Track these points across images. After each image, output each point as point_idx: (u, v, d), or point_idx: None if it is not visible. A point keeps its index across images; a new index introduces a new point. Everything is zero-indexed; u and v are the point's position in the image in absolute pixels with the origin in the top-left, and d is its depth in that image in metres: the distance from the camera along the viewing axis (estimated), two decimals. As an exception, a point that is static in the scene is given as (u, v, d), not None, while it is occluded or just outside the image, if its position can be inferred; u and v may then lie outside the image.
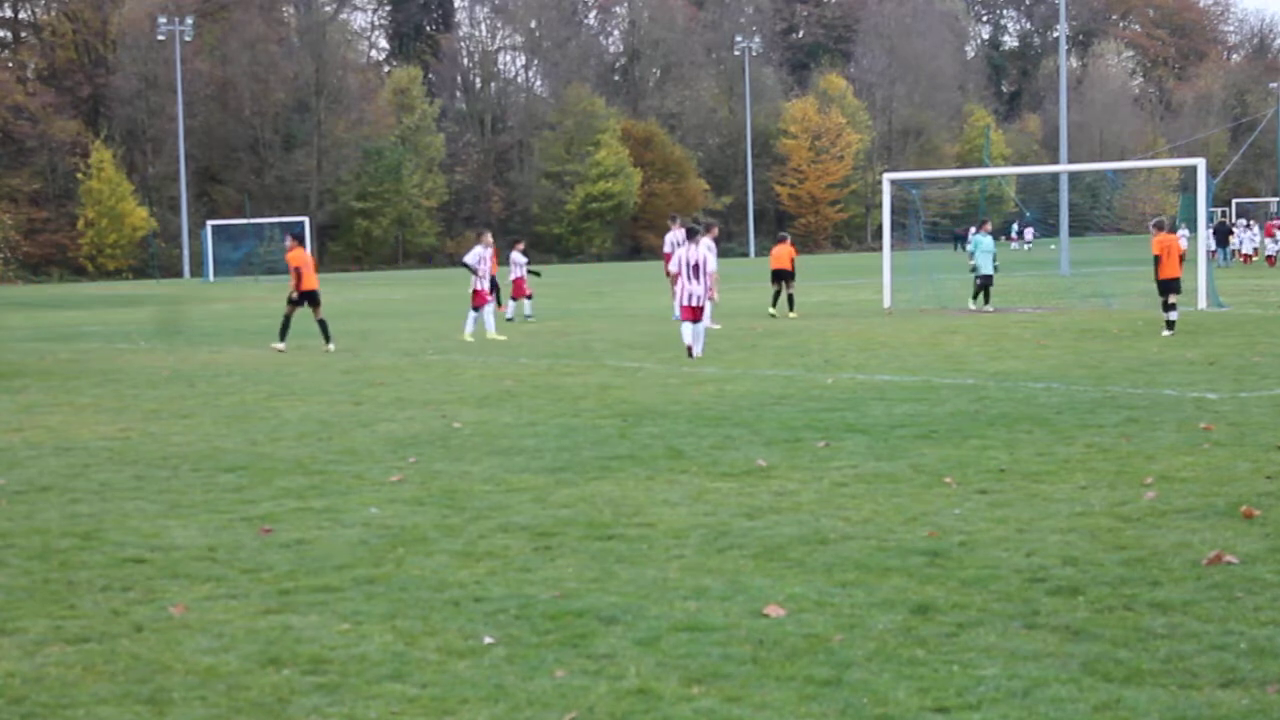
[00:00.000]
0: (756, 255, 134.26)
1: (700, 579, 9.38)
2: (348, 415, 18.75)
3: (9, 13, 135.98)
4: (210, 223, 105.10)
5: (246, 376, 24.67)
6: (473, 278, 33.66)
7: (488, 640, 8.08)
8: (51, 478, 14.07)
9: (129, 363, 28.42)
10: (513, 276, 41.07)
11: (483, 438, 16.24)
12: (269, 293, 73.31)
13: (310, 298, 30.33)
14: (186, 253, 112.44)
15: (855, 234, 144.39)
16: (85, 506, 12.42)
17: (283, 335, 30.26)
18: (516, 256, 41.42)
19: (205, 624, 8.54)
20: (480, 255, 34.14)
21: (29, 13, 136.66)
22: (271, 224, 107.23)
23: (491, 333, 32.98)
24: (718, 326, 33.84)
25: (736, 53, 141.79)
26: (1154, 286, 30.41)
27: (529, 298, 40.93)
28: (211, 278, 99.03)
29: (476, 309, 33.22)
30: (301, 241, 31.61)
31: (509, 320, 38.62)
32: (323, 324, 30.59)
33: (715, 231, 36.06)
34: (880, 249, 45.89)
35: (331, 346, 30.03)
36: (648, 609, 8.66)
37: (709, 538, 10.62)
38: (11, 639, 8.31)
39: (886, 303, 41.13)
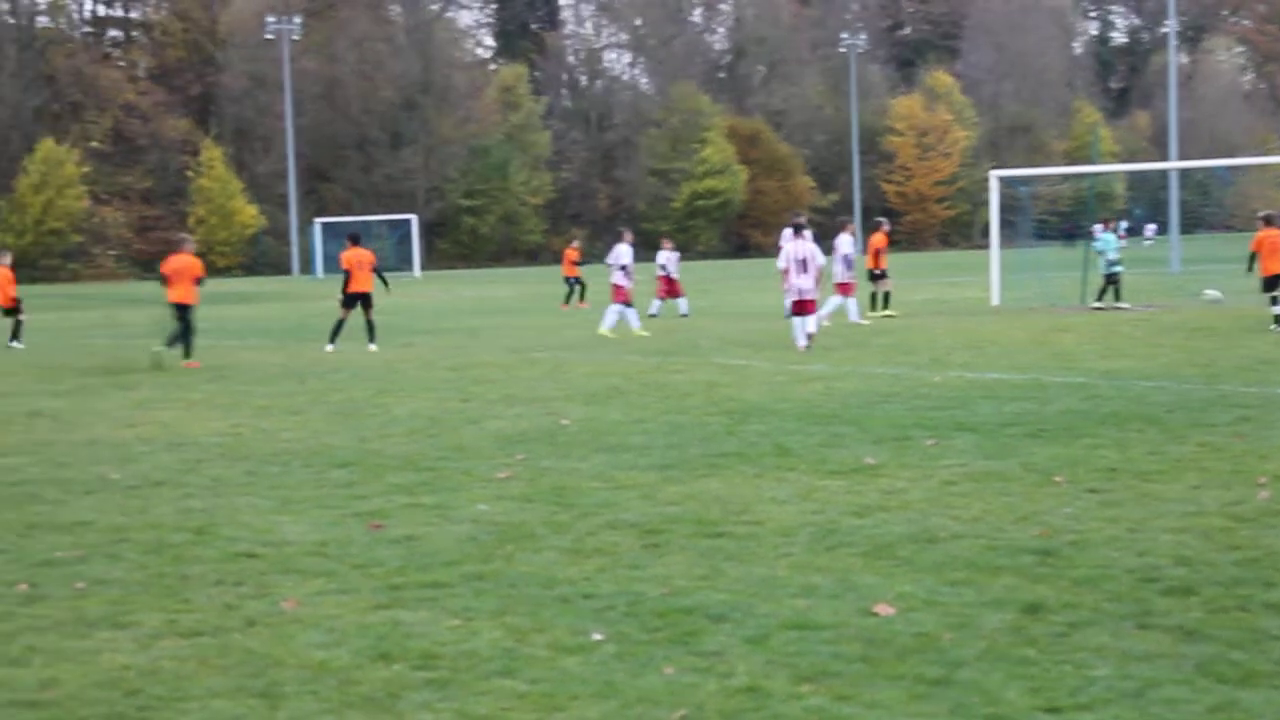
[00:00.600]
0: (863, 253, 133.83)
1: (809, 577, 9.35)
2: (456, 412, 18.82)
3: (121, 12, 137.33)
4: (318, 220, 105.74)
5: (356, 373, 24.82)
6: (616, 274, 33.85)
7: (597, 637, 8.09)
8: (165, 473, 14.21)
9: (240, 359, 28.67)
10: (659, 275, 41.25)
11: (591, 435, 16.26)
12: (378, 290, 73.66)
13: (362, 299, 30.49)
14: (295, 250, 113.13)
15: (962, 231, 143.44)
16: (198, 502, 12.54)
17: (332, 337, 30.46)
18: (664, 255, 41.55)
19: (317, 619, 8.60)
20: (621, 253, 34.30)
21: (140, 12, 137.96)
22: (379, 221, 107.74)
23: (636, 329, 33.15)
24: (865, 322, 34.00)
25: (842, 49, 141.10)
26: (1263, 283, 30.28)
27: (680, 296, 41.04)
28: (320, 275, 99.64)
29: (620, 305, 33.40)
30: (358, 242, 31.72)
31: (652, 316, 38.71)
32: (370, 325, 30.70)
33: (851, 228, 36.39)
34: (987, 246, 45.61)
35: (373, 347, 30.13)
36: (756, 606, 8.64)
37: (817, 535, 10.59)
38: (127, 632, 8.39)
39: (994, 300, 40.87)
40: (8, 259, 36.28)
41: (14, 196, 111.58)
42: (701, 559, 9.93)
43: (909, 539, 10.40)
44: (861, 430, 16.03)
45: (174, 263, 29.30)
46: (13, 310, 34.56)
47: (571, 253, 50.75)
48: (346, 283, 30.69)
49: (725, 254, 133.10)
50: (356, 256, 30.79)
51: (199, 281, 29.29)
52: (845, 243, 36.56)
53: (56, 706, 7.14)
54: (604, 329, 33.15)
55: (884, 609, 8.50)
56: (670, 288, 40.98)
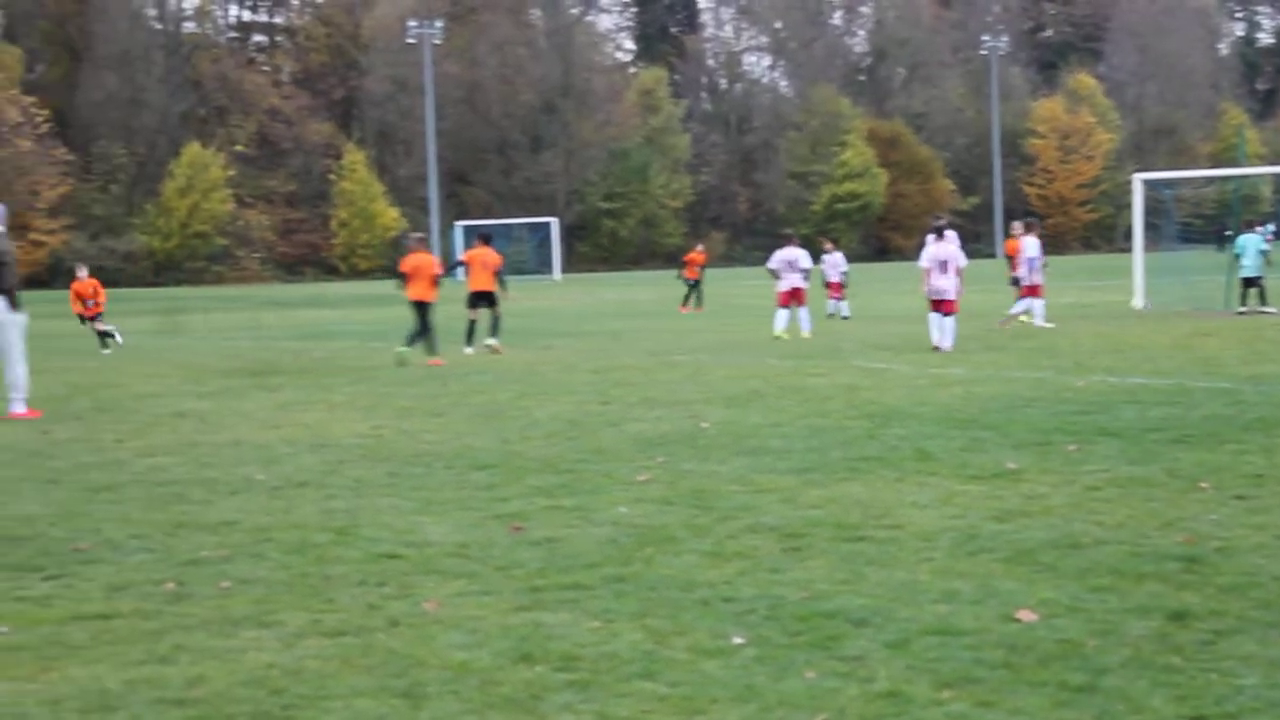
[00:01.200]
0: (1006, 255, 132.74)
1: (950, 582, 9.29)
2: (596, 414, 18.87)
3: (265, 18, 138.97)
4: (459, 223, 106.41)
5: (497, 376, 24.95)
6: (785, 277, 33.91)
7: (737, 640, 8.07)
8: (308, 474, 14.34)
9: (382, 361, 28.89)
10: (829, 279, 41.34)
11: (730, 438, 16.25)
12: (517, 293, 74.02)
13: (486, 299, 30.63)
14: (436, 253, 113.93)
15: (1105, 235, 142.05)
16: (341, 502, 12.64)
17: (468, 340, 30.65)
18: (833, 258, 41.64)
19: (458, 620, 8.64)
20: (784, 259, 34.32)
21: (284, 17, 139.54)
22: (520, 224, 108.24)
23: (805, 331, 33.24)
24: (1052, 325, 33.85)
25: (983, 52, 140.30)
26: None
27: (842, 298, 41.16)
28: (460, 277, 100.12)
29: (783, 307, 33.54)
30: (488, 242, 31.90)
31: (829, 317, 38.80)
32: (496, 321, 30.89)
33: (1036, 230, 36.31)
34: (1130, 250, 45.15)
35: (492, 341, 30.30)
36: (897, 611, 8.60)
37: (959, 540, 10.52)
38: (271, 631, 8.48)
39: (1138, 304, 40.45)
40: (84, 272, 37.22)
41: (161, 200, 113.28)
42: (842, 563, 9.89)
43: (1051, 545, 10.30)
44: (1003, 435, 15.90)
45: (412, 261, 29.92)
46: (93, 319, 35.45)
47: (697, 256, 50.81)
48: (470, 280, 30.91)
49: (865, 257, 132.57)
50: (481, 256, 30.90)
51: (437, 279, 29.78)
52: (1031, 245, 36.23)
53: (203, 704, 7.23)
54: (785, 332, 33.28)
55: (1026, 615, 8.42)
56: (836, 289, 41.24)
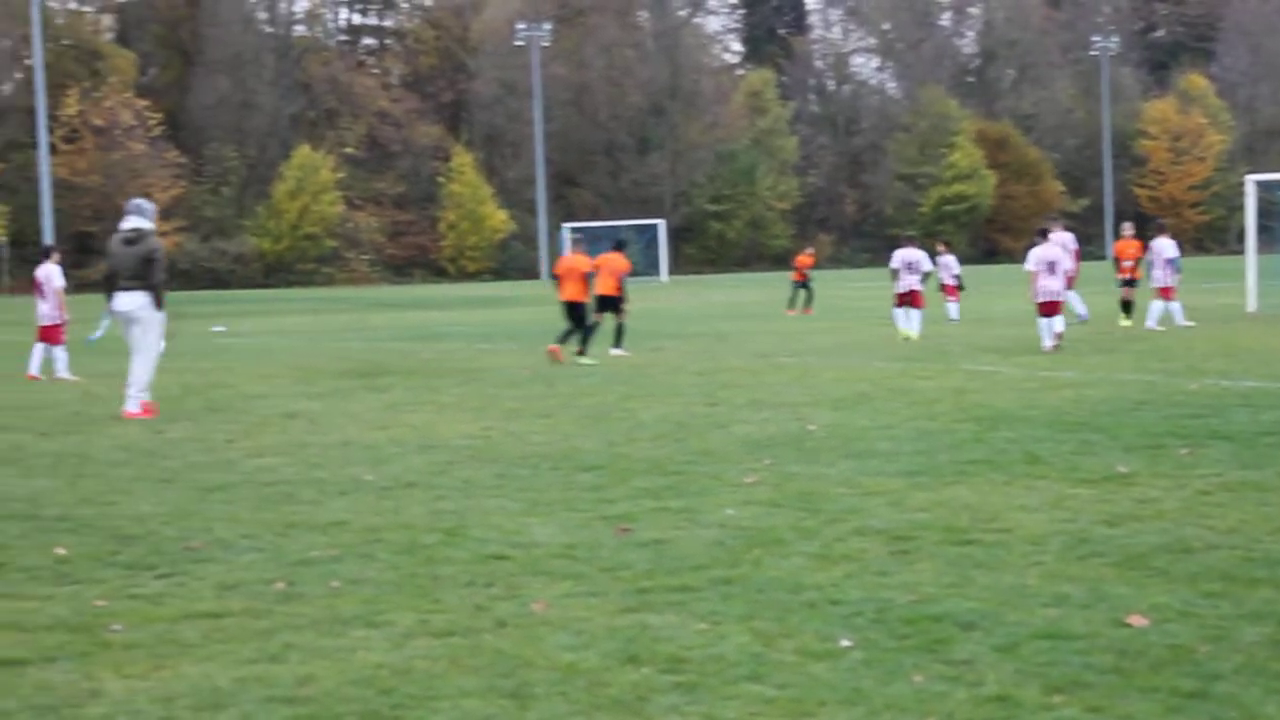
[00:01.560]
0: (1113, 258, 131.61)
1: (1060, 586, 9.22)
2: (703, 416, 18.86)
3: (375, 21, 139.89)
4: (566, 225, 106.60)
5: (604, 378, 24.98)
6: (903, 279, 33.84)
7: (845, 643, 8.05)
8: (416, 474, 14.41)
9: (490, 363, 29.00)
10: (944, 282, 41.19)
11: (838, 440, 16.21)
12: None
13: (610, 304, 30.61)
14: (544, 255, 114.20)
15: (1217, 237, 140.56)
16: (449, 503, 12.69)
17: (617, 341, 30.67)
18: (947, 260, 41.49)
19: (566, 621, 8.66)
20: (903, 260, 34.20)
21: (394, 21, 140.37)
22: (627, 226, 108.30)
23: (909, 332, 33.21)
24: (1192, 324, 33.76)
25: (1093, 52, 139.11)
26: None
27: (955, 301, 41.00)
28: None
29: (899, 309, 33.55)
30: (621, 248, 31.89)
31: (953, 321, 38.66)
32: (620, 328, 30.88)
33: (1168, 231, 36.29)
34: (1243, 252, 44.66)
35: (616, 351, 30.36)
36: (1006, 615, 8.55)
37: (1068, 544, 10.44)
38: (380, 631, 8.52)
39: (1251, 307, 40.02)
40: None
41: (271, 202, 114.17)
42: (950, 566, 9.85)
43: (1163, 549, 10.21)
44: (1113, 438, 15.78)
45: (564, 263, 30.28)
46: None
47: (805, 259, 50.68)
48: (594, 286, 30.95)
49: (973, 259, 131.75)
50: (610, 261, 30.80)
51: (588, 280, 29.86)
52: (1167, 246, 36.01)
53: (313, 703, 7.28)
54: (913, 332, 33.24)
55: (1137, 620, 8.35)
56: (952, 291, 41.10)
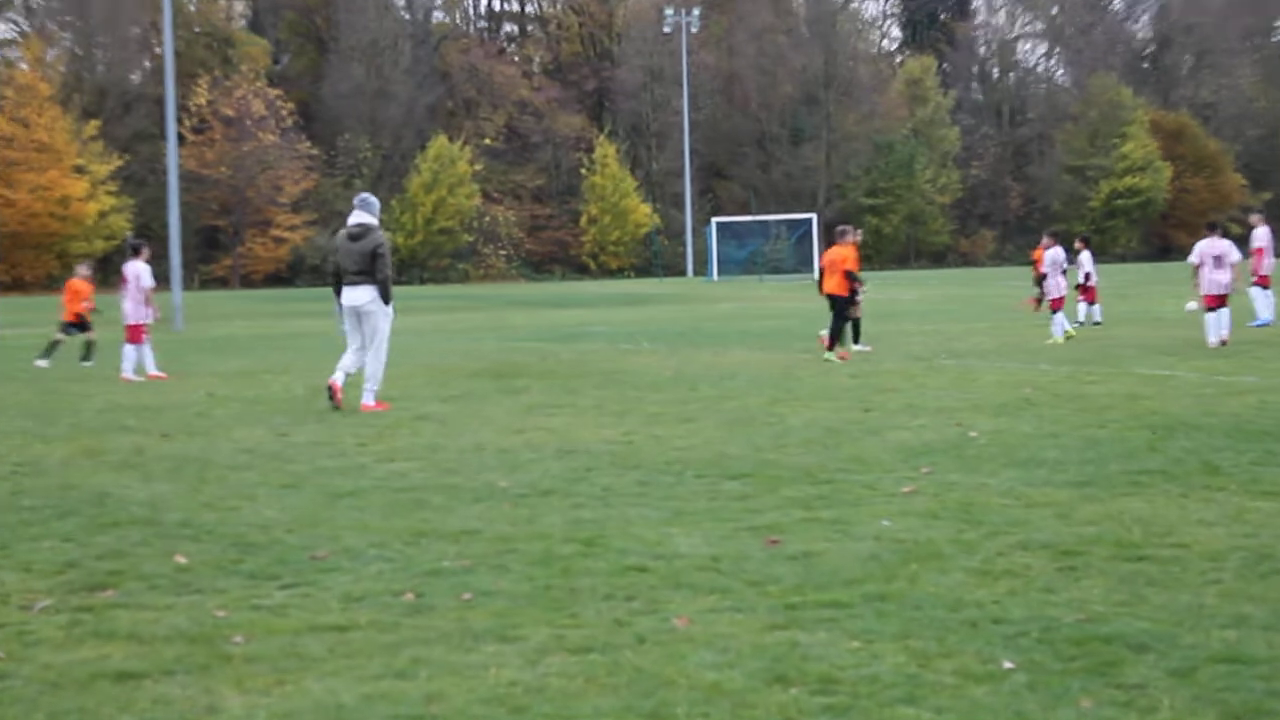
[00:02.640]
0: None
1: (1240, 606, 9.05)
2: (856, 422, 18.74)
3: (516, 7, 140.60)
4: (715, 220, 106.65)
5: (751, 380, 24.91)
6: (1048, 281, 33.67)
7: (1007, 665, 7.93)
8: (553, 481, 14.40)
9: (631, 364, 29.01)
10: (1080, 279, 40.60)
11: (1000, 448, 16.04)
12: (774, 293, 74.03)
13: (831, 302, 30.59)
14: (690, 251, 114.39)
15: None
16: (587, 512, 12.67)
17: (854, 338, 30.76)
18: (1085, 257, 40.86)
19: (709, 637, 8.59)
20: (1053, 259, 33.91)
21: (536, 6, 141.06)
22: (778, 221, 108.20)
23: (1067, 330, 33.01)
24: None
25: (1277, 39, 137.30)
26: None
27: (1093, 302, 40.35)
28: (715, 277, 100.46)
29: (1054, 311, 33.23)
30: (842, 237, 31.92)
31: (1080, 324, 38.27)
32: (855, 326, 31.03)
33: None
34: None
35: (856, 347, 30.49)
36: (1181, 637, 8.39)
37: (1249, 561, 10.25)
38: (513, 646, 8.49)
39: None
40: (85, 269, 34.67)
41: (406, 195, 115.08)
42: (1121, 584, 9.70)
43: (1353, 568, 10.02)
44: (1299, 448, 15.53)
45: (830, 254, 30.62)
46: (82, 326, 32.94)
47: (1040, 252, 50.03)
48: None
49: (1147, 257, 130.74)
50: (829, 255, 30.79)
51: (850, 275, 30.06)
52: None
53: (442, 721, 7.27)
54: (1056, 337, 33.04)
55: (1325, 644, 8.19)
56: (1090, 292, 40.44)
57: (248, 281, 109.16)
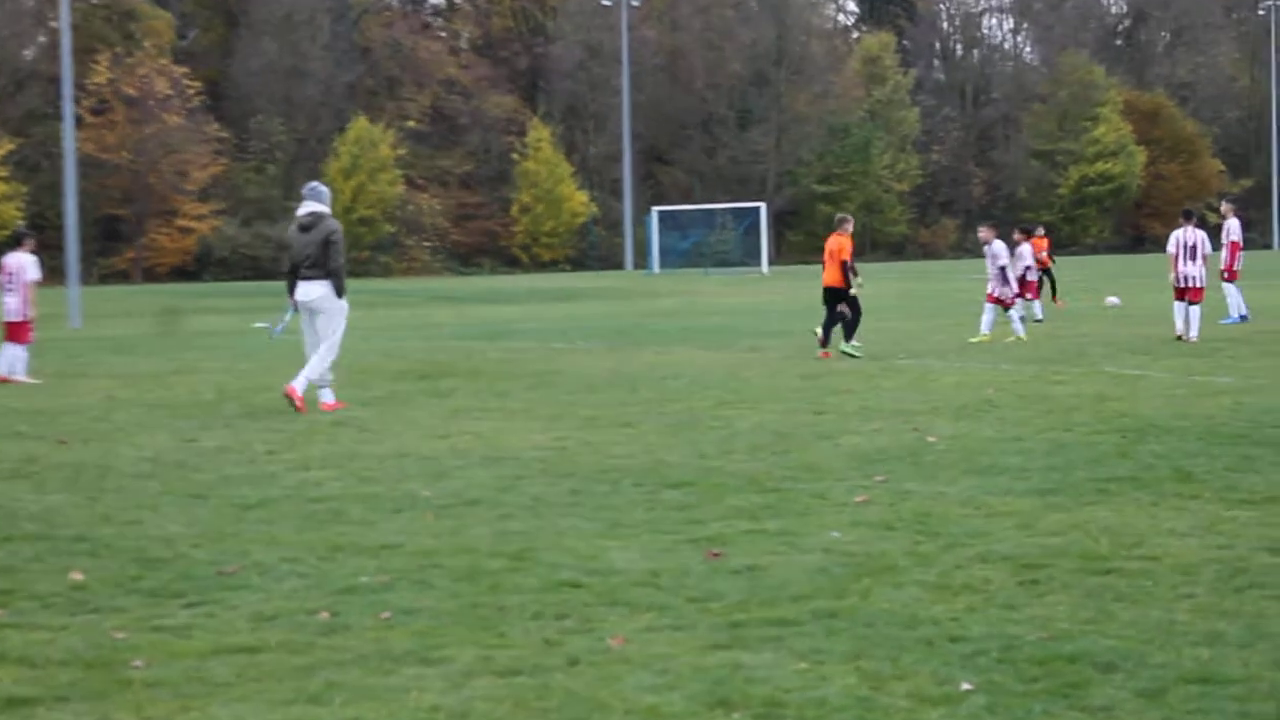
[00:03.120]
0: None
1: (1214, 623, 9.14)
2: (807, 426, 18.82)
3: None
4: (656, 208, 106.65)
5: (694, 381, 24.97)
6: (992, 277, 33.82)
7: (966, 686, 8.00)
8: (480, 490, 14.43)
9: (566, 364, 29.04)
10: (1018, 272, 40.30)
11: (960, 454, 16.14)
12: (720, 287, 74.11)
13: (830, 294, 30.76)
14: (629, 241, 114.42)
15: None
16: (517, 523, 12.70)
17: (847, 335, 30.97)
18: (1025, 250, 40.63)
19: (647, 658, 8.63)
20: (993, 254, 34.03)
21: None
22: (724, 210, 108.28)
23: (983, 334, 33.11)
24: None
25: (1261, 12, 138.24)
26: None
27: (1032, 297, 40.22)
28: (656, 270, 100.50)
29: (1004, 308, 33.36)
30: (838, 226, 32.17)
31: (1038, 321, 38.37)
32: (834, 321, 31.14)
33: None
34: None
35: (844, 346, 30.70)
36: (1151, 655, 8.47)
37: (1224, 575, 10.35)
38: (436, 669, 8.52)
39: None
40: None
41: (323, 182, 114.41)
42: (1087, 599, 9.78)
43: (1334, 581, 10.13)
44: (1277, 453, 15.66)
45: (828, 244, 30.98)
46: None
47: (1040, 242, 49.82)
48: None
49: (1119, 248, 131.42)
50: (828, 245, 30.92)
51: (845, 265, 30.46)
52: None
53: (358, 749, 7.30)
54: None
55: (1303, 662, 8.28)
56: (1030, 286, 40.17)
57: (151, 275, 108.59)
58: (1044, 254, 47.64)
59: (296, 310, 22.28)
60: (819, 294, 30.74)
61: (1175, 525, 12.04)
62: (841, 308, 30.35)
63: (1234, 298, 37.09)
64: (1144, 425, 18.04)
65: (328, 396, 22.11)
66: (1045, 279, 47.81)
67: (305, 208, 22.18)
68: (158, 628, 9.53)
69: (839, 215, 31.67)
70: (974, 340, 32.59)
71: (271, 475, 15.67)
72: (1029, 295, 39.60)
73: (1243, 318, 36.60)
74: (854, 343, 29.90)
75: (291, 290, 22.09)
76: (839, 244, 30.33)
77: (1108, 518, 12.39)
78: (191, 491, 14.65)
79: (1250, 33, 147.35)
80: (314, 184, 22.86)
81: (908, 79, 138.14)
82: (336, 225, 22.16)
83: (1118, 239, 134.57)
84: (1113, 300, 45.89)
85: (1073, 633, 8.97)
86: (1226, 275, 37.41)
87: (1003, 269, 33.86)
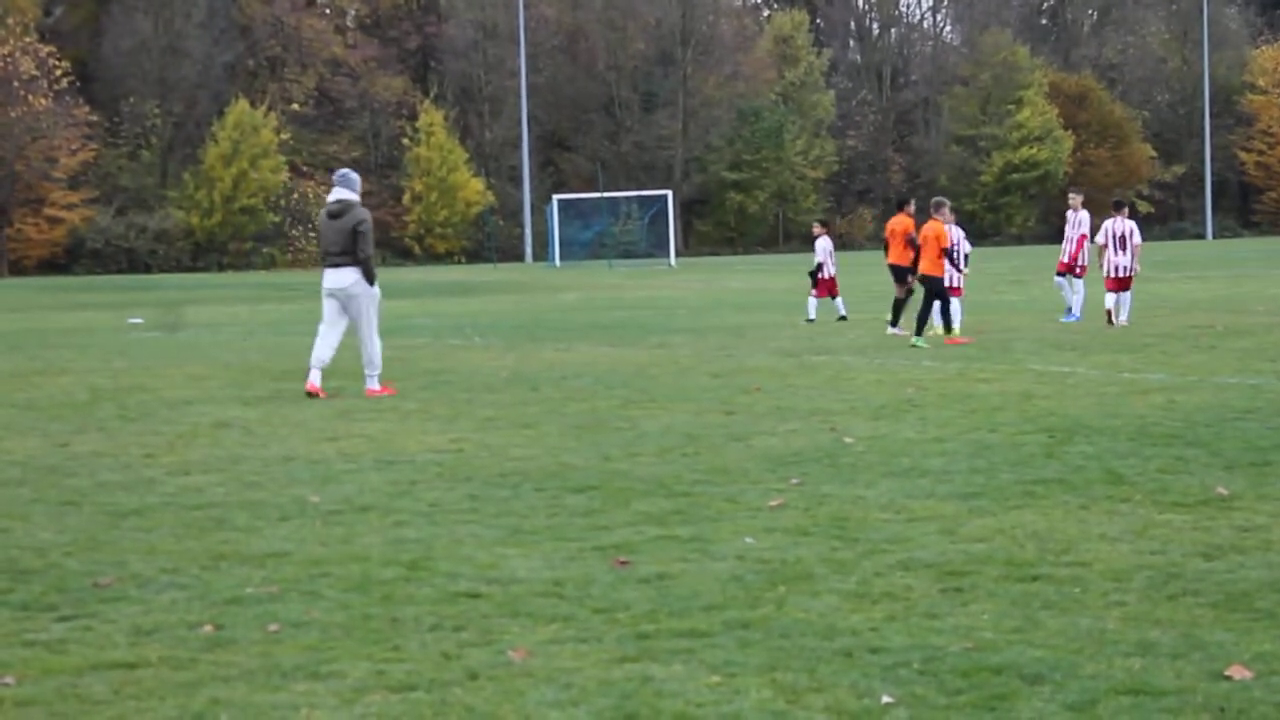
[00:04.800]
0: (1215, 237, 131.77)
1: (1146, 631, 9.22)
2: (718, 427, 18.87)
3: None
4: (556, 197, 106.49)
5: (598, 380, 24.99)
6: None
7: (886, 699, 8.05)
8: (372, 496, 14.41)
9: (461, 362, 29.01)
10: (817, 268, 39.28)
11: (879, 455, 16.21)
12: (625, 280, 74.11)
13: (896, 273, 31.17)
14: (529, 232, 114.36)
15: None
16: (411, 530, 12.69)
17: (894, 320, 31.27)
18: (822, 245, 39.58)
19: (550, 672, 8.65)
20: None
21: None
22: (628, 198, 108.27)
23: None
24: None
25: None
26: None
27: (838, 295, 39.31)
28: (557, 262, 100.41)
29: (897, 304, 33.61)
30: (901, 206, 32.39)
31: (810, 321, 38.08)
32: (898, 303, 32.40)
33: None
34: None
35: (892, 331, 31.90)
36: (1081, 666, 8.55)
37: (1156, 581, 10.44)
38: (327, 684, 8.51)
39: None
40: None
41: (201, 168, 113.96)
42: (1013, 607, 9.85)
43: (1270, 586, 10.22)
44: (1211, 454, 15.78)
45: (926, 231, 31.41)
46: None
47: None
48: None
49: (1046, 237, 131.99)
50: (890, 224, 31.39)
51: (910, 242, 32.04)
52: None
53: (245, 770, 7.29)
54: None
55: (1239, 671, 8.35)
56: (830, 284, 39.25)
57: (17, 269, 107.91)
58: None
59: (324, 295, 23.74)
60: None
61: (1105, 529, 12.13)
62: (902, 292, 31.03)
63: (1073, 295, 36.58)
64: (1072, 425, 18.16)
65: (373, 384, 23.47)
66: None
67: (335, 194, 23.56)
68: (29, 642, 9.48)
69: (936, 199, 32.29)
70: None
71: (150, 481, 15.60)
72: (833, 294, 39.00)
73: (1072, 315, 36.28)
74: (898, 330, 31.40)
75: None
76: (935, 231, 30.90)
77: (1035, 522, 12.48)
78: (64, 498, 14.56)
79: (1181, 10, 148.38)
80: (344, 171, 24.26)
81: (821, 60, 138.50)
82: (366, 214, 23.53)
83: (1044, 228, 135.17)
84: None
85: (998, 643, 9.03)
86: (1078, 270, 36.95)
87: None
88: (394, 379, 24.75)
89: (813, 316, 38.40)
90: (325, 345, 23.48)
